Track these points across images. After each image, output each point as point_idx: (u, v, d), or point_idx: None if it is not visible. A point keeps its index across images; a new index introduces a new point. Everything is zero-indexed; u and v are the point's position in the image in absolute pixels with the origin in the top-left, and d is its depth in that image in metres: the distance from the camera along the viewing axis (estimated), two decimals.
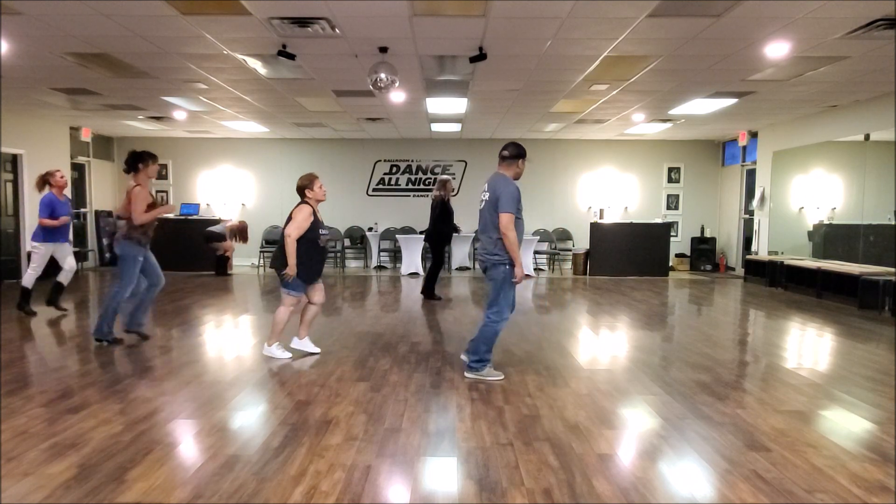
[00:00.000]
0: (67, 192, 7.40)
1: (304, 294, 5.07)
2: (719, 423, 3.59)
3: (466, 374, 4.56)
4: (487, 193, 4.41)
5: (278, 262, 4.93)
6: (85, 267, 12.31)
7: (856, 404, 4.01)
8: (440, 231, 8.40)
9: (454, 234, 8.73)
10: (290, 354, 5.11)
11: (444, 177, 8.62)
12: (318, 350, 5.26)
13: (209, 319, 6.96)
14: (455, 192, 13.20)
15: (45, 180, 6.93)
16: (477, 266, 12.68)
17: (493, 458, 3.06)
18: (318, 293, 5.19)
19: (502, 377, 4.50)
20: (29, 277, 6.98)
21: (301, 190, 5.03)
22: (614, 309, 7.84)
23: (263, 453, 3.10)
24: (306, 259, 4.90)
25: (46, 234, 6.81)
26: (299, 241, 4.82)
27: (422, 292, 8.66)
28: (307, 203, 4.95)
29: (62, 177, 7.02)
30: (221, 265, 11.51)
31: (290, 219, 4.90)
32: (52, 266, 6.99)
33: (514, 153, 4.44)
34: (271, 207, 13.17)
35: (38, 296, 7.14)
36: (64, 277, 7.06)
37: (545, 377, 4.57)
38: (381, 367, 4.84)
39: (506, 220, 4.24)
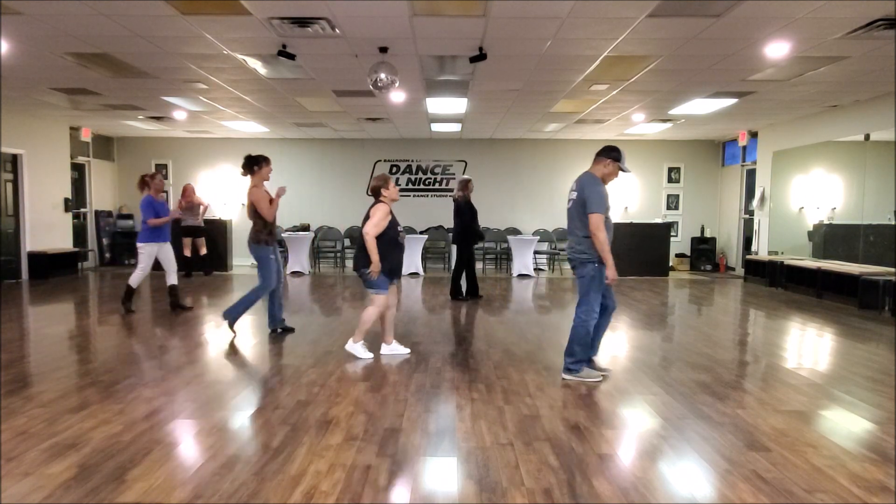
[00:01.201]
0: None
1: (388, 292, 5.09)
2: (719, 423, 3.59)
3: (564, 377, 4.50)
4: (575, 192, 4.40)
5: (361, 262, 4.99)
6: (85, 267, 12.31)
7: (856, 404, 4.01)
8: (468, 231, 8.36)
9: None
10: (372, 355, 5.12)
11: (466, 177, 8.59)
12: (408, 350, 5.30)
13: (209, 319, 6.96)
14: (455, 192, 13.33)
15: (145, 182, 7.12)
16: (478, 266, 12.68)
17: (493, 458, 3.06)
18: (392, 294, 5.23)
19: (601, 378, 4.45)
20: (136, 277, 7.16)
21: (377, 190, 5.09)
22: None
23: (263, 453, 3.10)
24: (389, 256, 4.98)
25: (152, 234, 7.02)
26: (380, 239, 4.89)
27: (454, 293, 8.58)
28: (383, 202, 5.02)
29: (160, 180, 7.27)
30: (197, 262, 11.49)
31: (367, 218, 4.97)
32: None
33: (608, 152, 4.41)
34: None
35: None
36: (173, 278, 7.28)
37: (545, 377, 4.57)
38: (381, 367, 4.84)
39: (595, 220, 4.23)
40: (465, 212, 8.25)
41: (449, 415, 3.73)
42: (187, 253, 11.30)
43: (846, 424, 3.67)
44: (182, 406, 3.85)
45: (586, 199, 4.27)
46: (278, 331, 6.09)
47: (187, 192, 11.41)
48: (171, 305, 7.30)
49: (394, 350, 5.26)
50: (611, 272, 4.30)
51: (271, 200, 5.91)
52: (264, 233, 5.82)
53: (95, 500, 2.58)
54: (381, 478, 2.84)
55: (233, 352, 5.46)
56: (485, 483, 2.78)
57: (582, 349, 4.44)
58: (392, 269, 5.05)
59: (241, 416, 3.73)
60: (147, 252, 7.02)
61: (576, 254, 4.42)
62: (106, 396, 4.00)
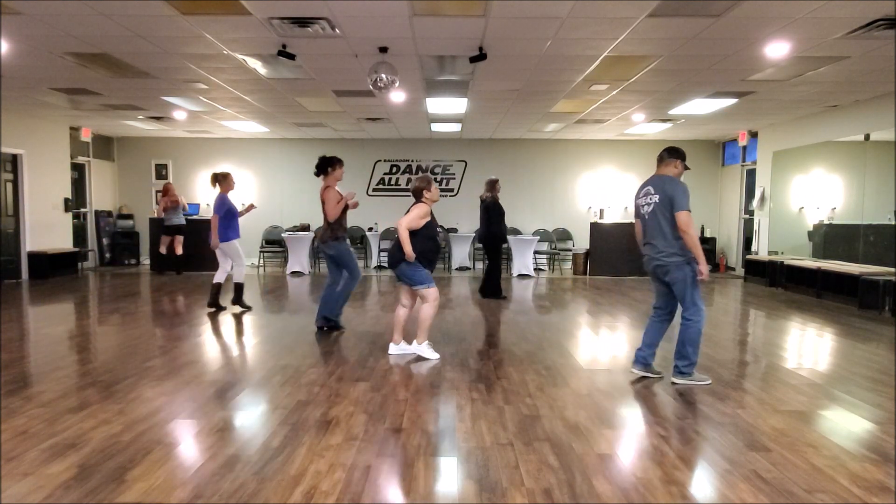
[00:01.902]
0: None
1: (434, 284, 5.14)
2: (719, 423, 3.59)
3: (674, 381, 4.40)
4: (656, 196, 4.36)
5: (396, 258, 5.06)
6: (85, 267, 12.30)
7: (856, 404, 4.01)
8: (494, 232, 8.45)
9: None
10: (438, 355, 5.13)
11: (493, 177, 8.67)
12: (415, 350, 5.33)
13: (209, 319, 6.96)
14: (455, 192, 13.34)
15: (217, 179, 7.25)
16: (478, 266, 12.69)
17: (493, 458, 3.06)
18: (408, 296, 5.29)
19: (710, 381, 4.42)
20: (240, 272, 7.37)
21: (419, 192, 5.14)
22: (614, 309, 7.84)
23: (263, 453, 3.10)
24: (428, 253, 5.09)
25: (230, 231, 7.21)
26: (419, 237, 4.98)
27: (482, 292, 8.72)
28: (424, 203, 5.10)
29: (233, 179, 7.44)
30: (175, 261, 11.58)
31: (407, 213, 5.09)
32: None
33: (675, 153, 4.48)
34: (271, 207, 13.16)
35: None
36: (240, 275, 7.43)
37: (545, 377, 4.57)
38: (381, 367, 4.84)
39: (685, 217, 4.24)
40: (492, 212, 8.36)
41: (449, 415, 3.73)
42: (163, 250, 11.50)
43: (846, 424, 3.67)
44: (182, 406, 3.85)
45: (673, 198, 4.26)
46: (324, 328, 6.20)
47: (170, 191, 11.56)
48: (232, 301, 7.46)
49: (403, 350, 5.26)
50: (704, 268, 4.29)
51: (338, 201, 6.04)
52: (339, 229, 6.03)
53: (95, 500, 2.58)
54: (381, 478, 2.84)
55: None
56: (485, 483, 2.78)
57: (694, 350, 4.36)
58: (431, 266, 5.16)
59: (241, 416, 3.73)
60: (233, 248, 7.21)
61: (666, 258, 4.34)
62: (106, 396, 4.00)
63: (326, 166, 6.06)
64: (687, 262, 4.30)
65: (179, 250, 11.55)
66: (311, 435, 3.34)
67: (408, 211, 5.10)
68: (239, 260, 7.29)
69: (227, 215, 7.11)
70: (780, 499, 2.66)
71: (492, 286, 8.63)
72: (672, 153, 4.50)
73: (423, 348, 5.16)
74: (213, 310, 7.35)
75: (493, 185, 8.43)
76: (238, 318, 7.09)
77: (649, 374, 4.56)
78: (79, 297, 8.77)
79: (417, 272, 5.04)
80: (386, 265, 13.07)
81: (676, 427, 3.54)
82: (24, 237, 10.43)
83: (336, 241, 6.02)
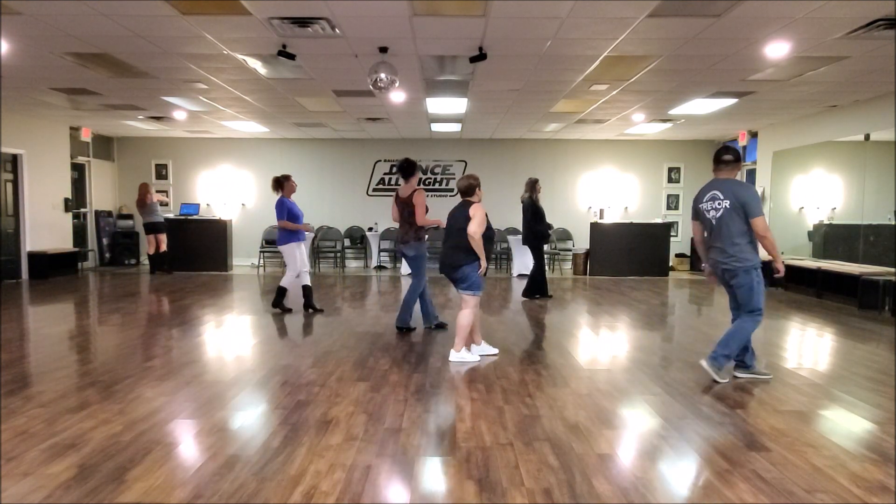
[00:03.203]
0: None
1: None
2: (719, 423, 3.59)
3: (737, 374, 4.56)
4: (726, 202, 4.37)
5: (459, 261, 4.95)
6: (85, 267, 12.31)
7: (856, 404, 4.01)
8: (536, 232, 8.48)
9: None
10: (478, 357, 5.10)
11: (534, 177, 8.69)
12: (496, 350, 5.33)
13: (209, 319, 6.96)
14: (455, 192, 13.32)
15: (279, 183, 7.26)
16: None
17: (493, 458, 3.06)
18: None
19: (727, 380, 4.48)
20: (306, 276, 7.37)
21: (471, 189, 5.08)
22: (614, 309, 7.84)
23: (263, 453, 3.10)
24: (488, 254, 5.06)
25: (290, 235, 7.19)
26: (483, 239, 4.94)
27: (527, 294, 8.74)
28: (476, 202, 5.06)
29: (294, 182, 7.45)
30: (160, 259, 11.60)
31: (467, 218, 4.93)
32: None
33: (737, 157, 4.51)
34: (271, 208, 13.05)
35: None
36: (307, 278, 7.39)
37: (545, 377, 4.57)
38: (381, 367, 4.84)
39: (763, 223, 4.31)
40: (529, 213, 8.43)
41: (449, 415, 3.73)
42: (150, 251, 11.58)
43: (846, 424, 3.67)
44: (182, 406, 3.85)
45: (747, 204, 4.29)
46: (432, 328, 6.32)
47: (141, 190, 11.65)
48: (304, 306, 7.37)
49: (484, 350, 5.23)
50: (780, 265, 4.42)
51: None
52: (423, 231, 6.15)
53: (95, 500, 2.58)
54: (381, 478, 2.84)
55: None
56: (485, 483, 2.78)
57: (737, 347, 4.46)
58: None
59: (241, 416, 3.73)
60: (290, 252, 7.19)
61: (735, 262, 4.38)
62: (106, 396, 4.00)
63: (413, 169, 6.13)
64: (754, 267, 4.39)
65: (163, 248, 11.62)
66: (311, 435, 3.34)
67: (466, 217, 4.92)
68: (292, 267, 7.24)
69: (289, 217, 7.10)
70: (780, 499, 2.66)
71: (537, 286, 8.69)
72: (737, 157, 4.50)
73: (463, 354, 5.03)
74: (308, 311, 7.36)
75: (532, 186, 8.45)
76: (238, 318, 7.09)
77: (756, 375, 4.57)
78: (79, 297, 8.77)
79: (478, 276, 4.98)
80: (385, 265, 13.08)
81: (676, 427, 3.54)
82: (24, 237, 10.43)
83: (419, 242, 6.13)
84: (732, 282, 4.46)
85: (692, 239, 4.70)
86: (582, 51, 6.14)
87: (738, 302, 4.56)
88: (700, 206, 4.59)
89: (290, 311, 7.28)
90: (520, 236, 11.99)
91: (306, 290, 7.38)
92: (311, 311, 7.32)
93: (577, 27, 5.38)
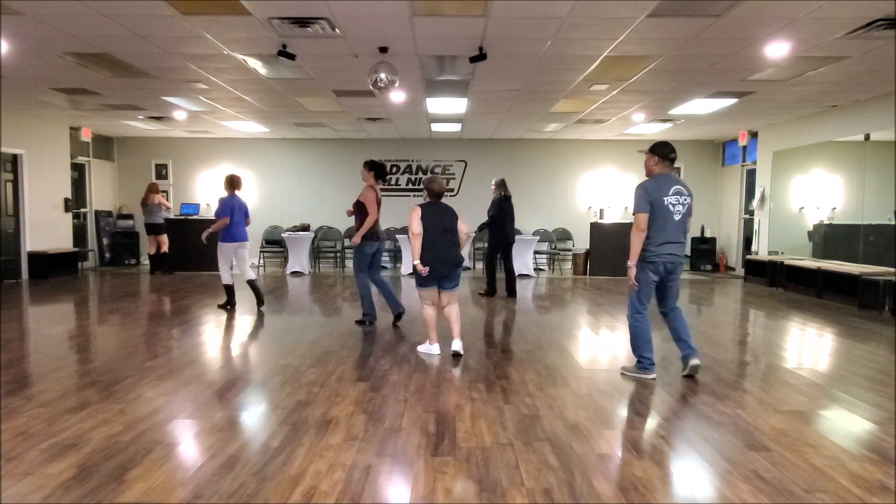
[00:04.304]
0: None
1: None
2: (719, 423, 3.59)
3: (627, 371, 4.72)
4: (689, 198, 4.58)
5: (460, 260, 5.23)
6: (85, 267, 12.31)
7: (856, 404, 4.01)
8: (490, 226, 8.93)
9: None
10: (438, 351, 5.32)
11: (500, 177, 9.15)
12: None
13: (209, 319, 6.96)
14: (455, 191, 13.33)
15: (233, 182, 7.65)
16: (478, 266, 12.69)
17: (493, 458, 3.06)
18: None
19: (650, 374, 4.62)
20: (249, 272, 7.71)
21: (443, 191, 5.44)
22: (614, 309, 7.84)
23: (263, 453, 3.10)
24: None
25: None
26: None
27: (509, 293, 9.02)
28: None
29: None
30: (160, 260, 11.64)
31: (455, 218, 5.28)
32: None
33: (674, 152, 4.69)
34: (271, 207, 13.17)
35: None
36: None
37: (545, 377, 4.57)
38: (381, 367, 4.84)
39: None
40: (491, 209, 8.91)
41: (449, 415, 3.73)
42: (151, 251, 11.63)
43: (846, 424, 3.67)
44: (182, 406, 3.85)
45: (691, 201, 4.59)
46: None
47: (149, 190, 11.78)
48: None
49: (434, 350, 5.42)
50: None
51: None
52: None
53: (95, 500, 2.58)
54: (381, 478, 2.84)
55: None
56: (485, 483, 2.78)
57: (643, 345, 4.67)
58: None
59: (241, 416, 3.73)
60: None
61: (681, 258, 4.60)
62: (106, 396, 4.00)
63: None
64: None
65: (164, 249, 11.66)
66: (311, 435, 3.34)
67: (440, 215, 5.18)
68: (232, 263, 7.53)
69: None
70: (780, 499, 2.66)
71: (511, 283, 9.08)
72: (674, 153, 4.66)
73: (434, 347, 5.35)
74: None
75: (498, 185, 8.94)
76: (238, 318, 7.09)
77: (642, 376, 4.58)
78: (79, 297, 8.77)
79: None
80: (385, 265, 13.07)
81: (676, 427, 3.54)
82: (24, 237, 10.43)
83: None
84: (672, 275, 4.59)
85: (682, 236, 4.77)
86: (582, 51, 6.14)
87: (665, 297, 4.68)
88: (664, 199, 4.48)
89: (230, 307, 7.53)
90: (520, 236, 12.01)
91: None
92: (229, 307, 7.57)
93: (577, 27, 5.38)
